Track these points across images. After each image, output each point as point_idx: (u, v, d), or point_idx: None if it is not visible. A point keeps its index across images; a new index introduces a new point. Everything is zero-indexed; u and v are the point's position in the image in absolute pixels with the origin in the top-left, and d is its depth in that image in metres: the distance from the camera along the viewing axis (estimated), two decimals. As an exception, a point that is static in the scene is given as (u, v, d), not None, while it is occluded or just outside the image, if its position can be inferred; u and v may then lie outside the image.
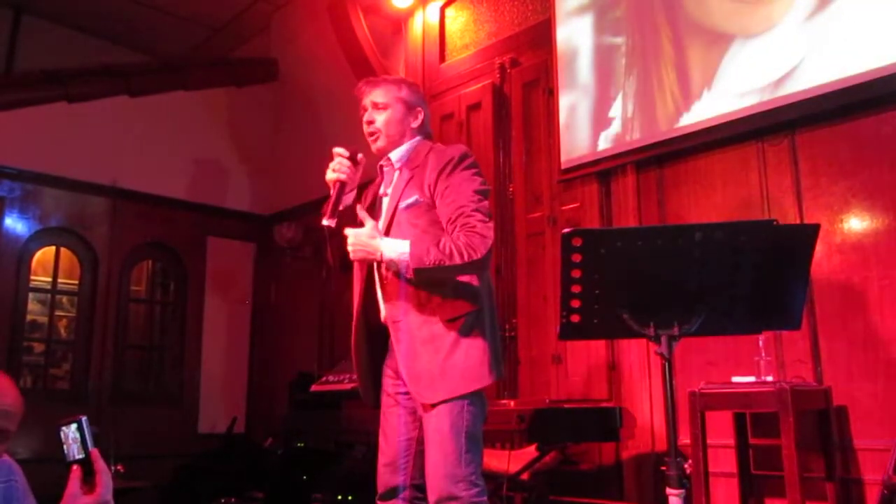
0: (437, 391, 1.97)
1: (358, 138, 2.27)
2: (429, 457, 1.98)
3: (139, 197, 5.47)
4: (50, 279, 5.26)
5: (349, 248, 2.02)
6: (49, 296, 5.28)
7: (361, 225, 2.07)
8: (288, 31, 6.26)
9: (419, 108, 2.25)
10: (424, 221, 2.09)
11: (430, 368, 1.98)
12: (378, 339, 2.18)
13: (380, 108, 2.20)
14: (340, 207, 2.12)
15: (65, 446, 1.32)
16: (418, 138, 2.24)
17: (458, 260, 1.92)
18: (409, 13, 4.92)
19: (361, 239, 2.00)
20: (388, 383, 2.17)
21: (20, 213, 4.99)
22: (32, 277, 5.16)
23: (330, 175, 2.13)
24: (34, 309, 5.22)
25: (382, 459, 2.12)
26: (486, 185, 2.11)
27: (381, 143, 2.21)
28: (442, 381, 1.97)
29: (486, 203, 2.06)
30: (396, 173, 2.19)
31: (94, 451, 1.32)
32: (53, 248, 5.23)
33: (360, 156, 2.18)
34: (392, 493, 2.08)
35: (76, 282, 5.29)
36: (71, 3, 6.17)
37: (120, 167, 5.32)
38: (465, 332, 2.01)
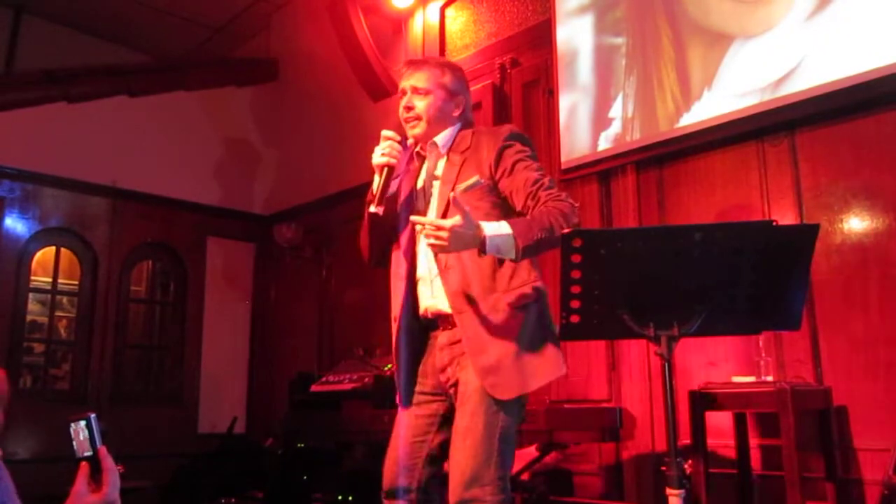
0: (511, 386, 1.89)
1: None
2: (455, 454, 1.87)
3: (139, 197, 5.47)
4: (50, 279, 5.26)
5: (444, 243, 1.75)
6: (49, 296, 5.28)
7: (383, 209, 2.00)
8: (288, 31, 6.26)
9: (461, 96, 2.16)
10: (487, 204, 2.00)
11: (501, 362, 1.89)
12: (418, 338, 2.11)
13: (420, 92, 2.11)
14: (387, 195, 2.03)
15: (74, 442, 1.30)
16: (459, 126, 2.16)
17: (558, 232, 1.81)
18: (409, 13, 4.92)
19: (461, 230, 1.75)
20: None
21: (20, 214, 4.99)
22: (32, 278, 5.16)
23: (379, 159, 2.02)
24: (34, 309, 5.22)
25: (391, 456, 2.05)
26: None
27: (419, 130, 2.12)
28: (516, 376, 1.89)
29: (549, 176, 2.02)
30: (443, 159, 2.11)
31: (102, 449, 1.29)
32: (53, 248, 5.23)
33: (409, 141, 2.11)
34: (397, 492, 2.01)
35: (76, 282, 5.29)
36: (71, 3, 6.16)
37: (120, 167, 5.31)
38: (533, 322, 1.95)
